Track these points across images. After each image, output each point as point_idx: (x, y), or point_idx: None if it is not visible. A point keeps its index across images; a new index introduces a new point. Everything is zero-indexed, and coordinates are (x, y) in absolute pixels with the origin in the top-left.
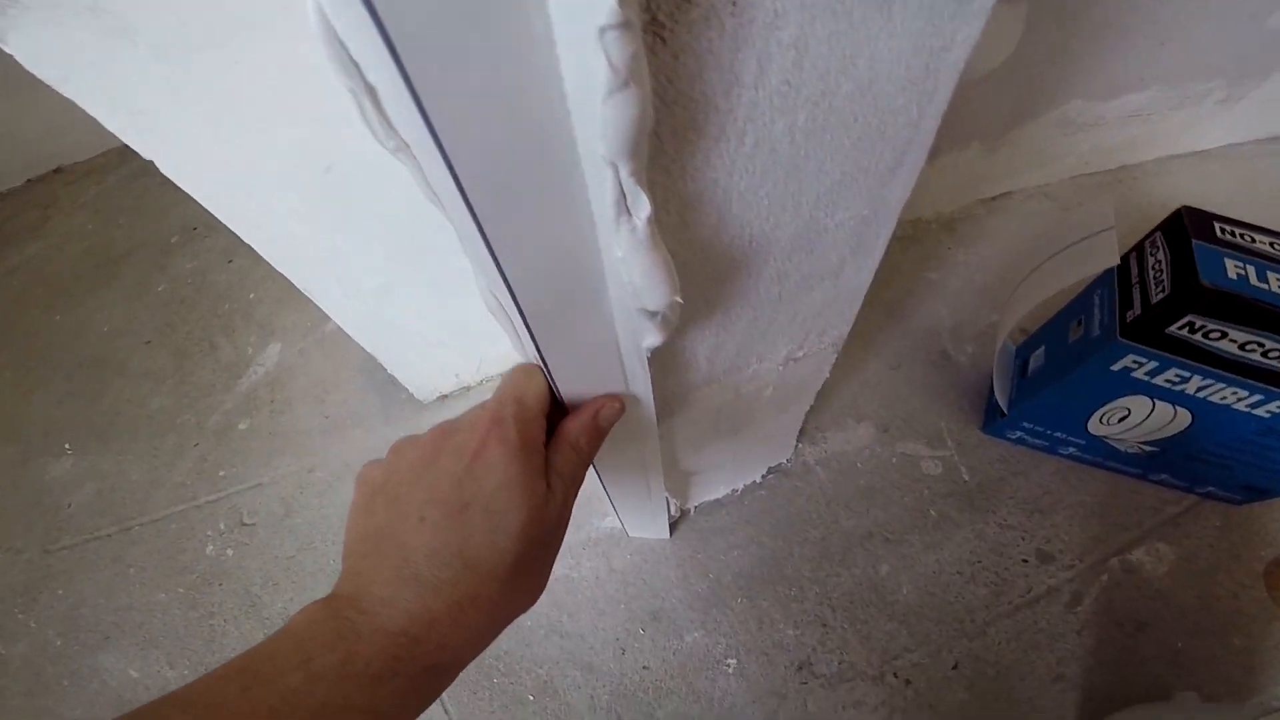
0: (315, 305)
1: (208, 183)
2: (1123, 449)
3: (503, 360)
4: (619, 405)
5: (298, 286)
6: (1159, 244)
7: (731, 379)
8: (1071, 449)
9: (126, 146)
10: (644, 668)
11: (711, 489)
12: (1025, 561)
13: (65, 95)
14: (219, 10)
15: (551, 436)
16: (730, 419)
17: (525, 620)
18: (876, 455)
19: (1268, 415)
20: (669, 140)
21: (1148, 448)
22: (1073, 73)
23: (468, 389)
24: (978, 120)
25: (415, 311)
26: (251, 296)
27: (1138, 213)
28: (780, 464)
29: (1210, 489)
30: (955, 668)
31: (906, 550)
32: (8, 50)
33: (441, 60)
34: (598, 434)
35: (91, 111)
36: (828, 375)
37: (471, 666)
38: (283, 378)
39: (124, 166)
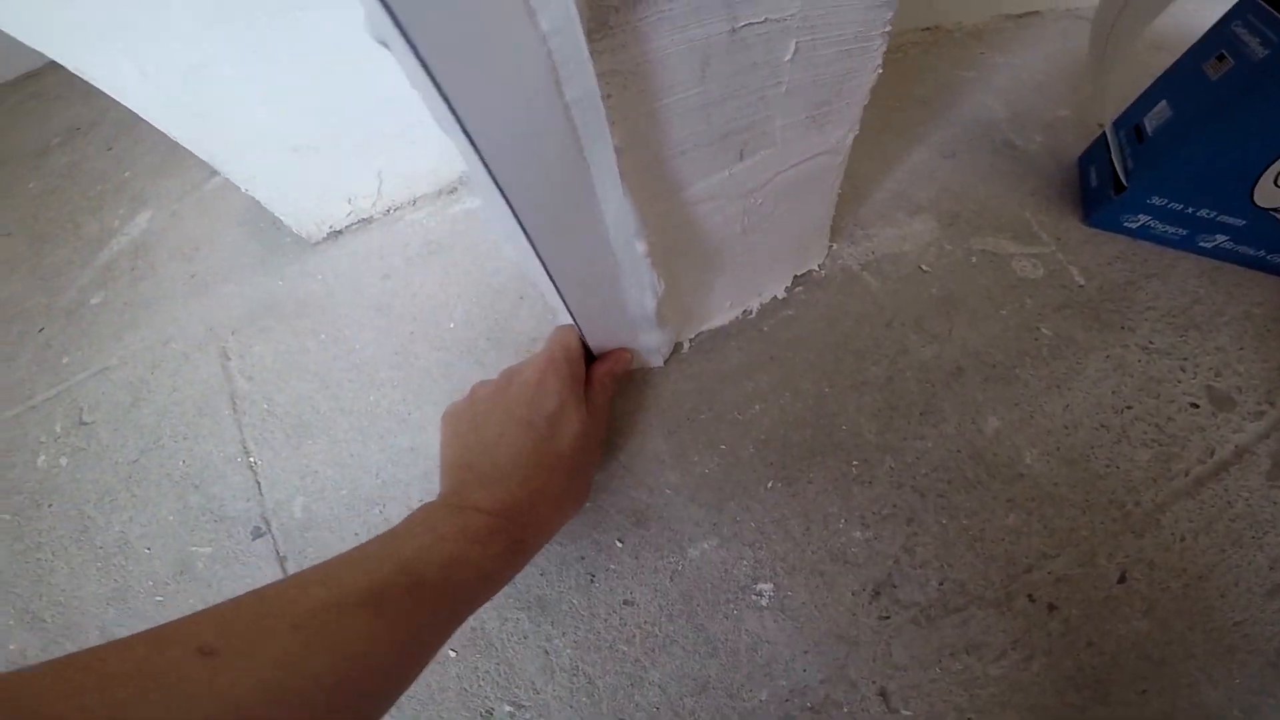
0: (199, 160)
1: None
2: None
3: (411, 178)
4: (629, 356)
5: (70, 68)
6: None
7: None
8: (1220, 237)
9: (20, 78)
10: (625, 603)
11: (714, 307)
12: (1195, 406)
13: None
14: None
15: (586, 378)
16: (726, 104)
17: None
18: (946, 254)
19: None
20: None
21: None
22: None
23: (368, 221)
24: None
25: (258, 100)
26: (127, 174)
27: (1177, 39)
28: (810, 270)
29: None
30: (1122, 580)
31: (1019, 392)
32: None
33: None
34: (615, 375)
35: None
36: (880, 67)
37: None
38: (149, 243)
39: (13, 96)
